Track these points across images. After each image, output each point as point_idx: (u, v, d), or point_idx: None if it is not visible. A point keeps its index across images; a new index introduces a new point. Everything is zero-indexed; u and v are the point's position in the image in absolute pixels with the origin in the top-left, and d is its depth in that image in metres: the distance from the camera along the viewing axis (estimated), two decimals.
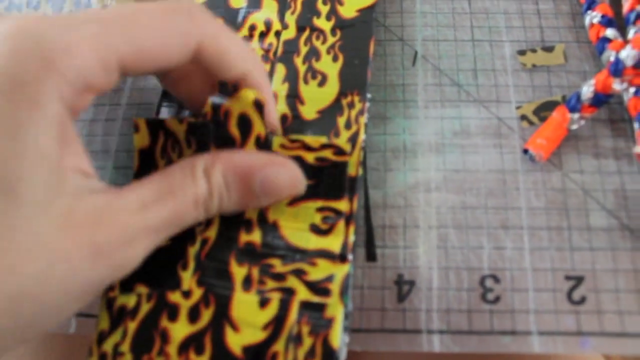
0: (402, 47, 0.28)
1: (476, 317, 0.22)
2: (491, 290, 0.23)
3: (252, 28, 0.27)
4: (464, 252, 0.23)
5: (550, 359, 0.26)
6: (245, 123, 0.22)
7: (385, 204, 0.24)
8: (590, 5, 0.26)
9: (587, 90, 0.24)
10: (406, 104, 0.26)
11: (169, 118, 0.23)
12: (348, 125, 0.24)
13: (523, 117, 0.25)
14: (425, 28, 0.28)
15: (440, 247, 0.24)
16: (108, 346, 0.21)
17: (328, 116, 0.24)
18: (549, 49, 0.27)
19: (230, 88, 0.22)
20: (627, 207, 0.24)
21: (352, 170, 0.23)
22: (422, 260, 0.23)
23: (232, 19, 0.27)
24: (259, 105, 0.22)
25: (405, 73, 0.27)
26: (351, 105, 0.24)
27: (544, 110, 0.25)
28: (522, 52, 0.27)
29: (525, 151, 0.24)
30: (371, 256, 0.24)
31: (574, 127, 0.24)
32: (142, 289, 0.22)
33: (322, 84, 0.25)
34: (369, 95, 0.25)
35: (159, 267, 0.22)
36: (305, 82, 0.25)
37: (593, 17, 0.26)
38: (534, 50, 0.27)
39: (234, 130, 0.23)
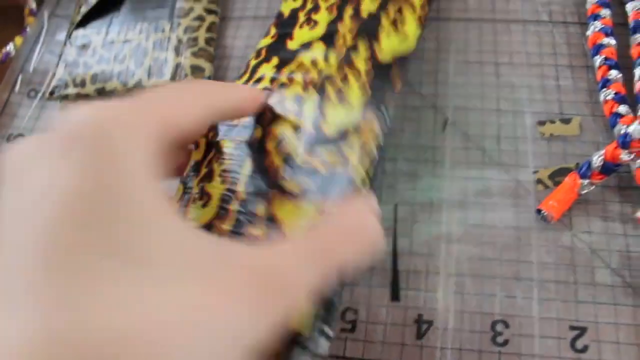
0: (434, 113, 0.32)
1: (486, 357, 0.25)
2: (501, 334, 0.26)
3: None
4: (478, 298, 0.26)
5: None
6: (281, 142, 0.25)
7: (411, 251, 0.28)
8: (605, 84, 0.30)
9: (597, 159, 0.27)
10: (435, 164, 0.30)
11: (222, 139, 0.27)
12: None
13: (539, 181, 0.29)
14: (456, 97, 0.32)
15: (457, 293, 0.27)
16: None
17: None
18: (566, 121, 0.30)
19: (268, 116, 0.26)
20: (630, 267, 0.26)
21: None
22: (441, 303, 0.27)
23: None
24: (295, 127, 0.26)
25: (436, 137, 0.31)
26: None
27: (558, 175, 0.28)
28: (541, 123, 0.30)
29: (539, 211, 0.27)
30: (395, 296, 0.27)
31: (584, 191, 0.27)
32: None
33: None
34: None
35: None
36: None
37: (607, 94, 0.29)
38: (552, 122, 0.30)
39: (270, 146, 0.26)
